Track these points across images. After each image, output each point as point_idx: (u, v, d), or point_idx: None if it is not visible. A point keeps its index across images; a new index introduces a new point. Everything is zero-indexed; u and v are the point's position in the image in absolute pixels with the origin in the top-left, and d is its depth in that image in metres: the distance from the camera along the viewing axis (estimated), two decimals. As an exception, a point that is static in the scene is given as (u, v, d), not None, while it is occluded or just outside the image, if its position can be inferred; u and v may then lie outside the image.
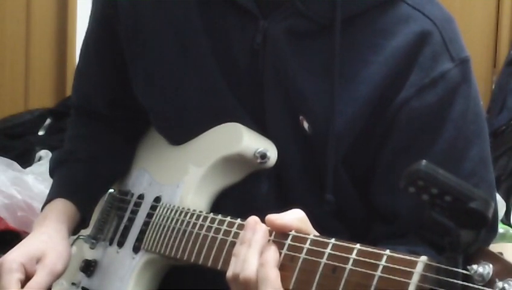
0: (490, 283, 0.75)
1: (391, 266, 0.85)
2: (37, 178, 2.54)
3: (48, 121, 3.05)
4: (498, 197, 2.64)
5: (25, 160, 2.84)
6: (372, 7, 1.22)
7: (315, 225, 1.04)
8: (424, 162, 0.78)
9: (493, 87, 3.30)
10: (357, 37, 1.22)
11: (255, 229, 1.03)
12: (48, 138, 2.99)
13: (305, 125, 1.23)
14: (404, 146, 1.20)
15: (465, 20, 3.23)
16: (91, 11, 1.45)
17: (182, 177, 1.31)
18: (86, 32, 1.48)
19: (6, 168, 2.63)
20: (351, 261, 0.90)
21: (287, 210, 1.03)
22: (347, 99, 1.21)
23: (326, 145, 1.21)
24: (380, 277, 0.86)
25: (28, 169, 2.73)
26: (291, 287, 0.96)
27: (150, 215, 1.35)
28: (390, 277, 0.85)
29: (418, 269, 0.82)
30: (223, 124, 1.27)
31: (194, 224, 1.21)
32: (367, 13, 1.22)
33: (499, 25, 3.30)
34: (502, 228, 2.57)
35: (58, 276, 1.31)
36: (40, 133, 3.04)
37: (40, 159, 2.84)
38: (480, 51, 3.27)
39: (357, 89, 1.21)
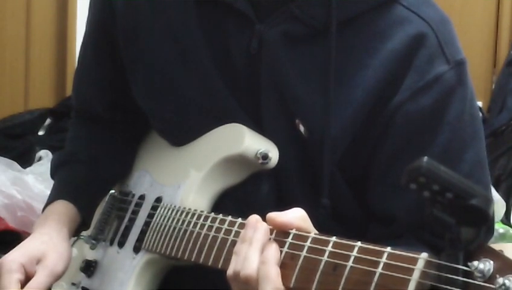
0: (491, 279, 0.76)
1: (392, 263, 0.85)
2: (37, 178, 2.54)
3: (48, 121, 3.06)
4: (498, 197, 2.64)
5: (25, 160, 2.84)
6: (367, 10, 1.22)
7: (314, 226, 1.04)
8: (425, 158, 0.78)
9: (493, 87, 3.31)
10: (353, 41, 1.22)
11: (256, 227, 1.03)
12: (48, 138, 2.99)
13: (301, 128, 1.23)
14: (400, 149, 1.20)
15: (465, 20, 3.24)
16: (88, 15, 1.45)
17: (183, 178, 1.32)
18: (84, 36, 1.48)
19: (6, 168, 2.63)
20: (351, 258, 0.90)
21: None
22: (343, 102, 1.21)
23: (322, 148, 1.21)
24: (380, 273, 0.86)
25: (28, 169, 2.74)
26: (292, 285, 0.97)
27: (150, 216, 1.35)
28: (391, 273, 0.85)
29: (419, 265, 0.82)
30: (224, 125, 1.28)
31: (195, 224, 1.21)
32: (362, 16, 1.22)
33: (499, 25, 3.31)
34: (502, 228, 2.58)
35: (58, 277, 1.31)
36: (40, 133, 3.04)
37: (40, 159, 2.85)
38: (480, 51, 3.28)
39: (353, 93, 1.20)
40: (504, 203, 2.69)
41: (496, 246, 2.37)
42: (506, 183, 2.85)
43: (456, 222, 0.78)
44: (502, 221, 2.69)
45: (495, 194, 2.62)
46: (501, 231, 2.55)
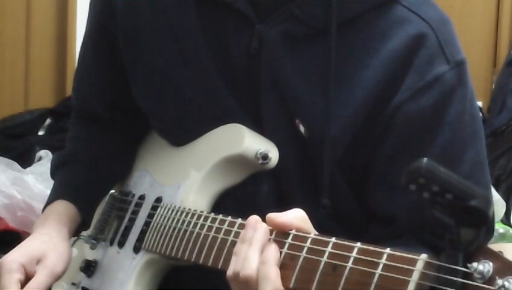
0: (490, 280, 0.75)
1: (391, 264, 0.85)
2: (37, 178, 2.54)
3: (48, 121, 3.06)
4: (498, 197, 2.64)
5: (25, 160, 2.84)
6: (367, 10, 1.22)
7: (314, 226, 1.04)
8: (425, 159, 0.78)
9: (493, 87, 3.31)
10: (353, 41, 1.22)
11: (256, 227, 1.03)
12: (48, 138, 3.00)
13: (301, 128, 1.23)
14: (400, 149, 1.20)
15: (465, 20, 3.24)
16: (88, 15, 1.45)
17: (183, 178, 1.32)
18: (84, 36, 1.48)
19: (6, 168, 2.63)
20: (351, 259, 0.90)
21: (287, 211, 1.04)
22: (343, 102, 1.21)
23: (323, 148, 1.21)
24: (380, 274, 0.86)
25: (28, 169, 2.74)
26: (291, 285, 0.97)
27: (150, 216, 1.35)
28: (391, 274, 0.85)
29: (418, 266, 0.82)
30: (224, 125, 1.28)
31: (195, 224, 1.21)
32: (362, 16, 1.22)
33: (499, 25, 3.31)
34: (502, 228, 2.58)
35: (58, 277, 1.31)
36: (40, 133, 3.04)
37: (40, 159, 2.85)
38: (480, 51, 3.28)
39: (353, 93, 1.20)
40: (504, 203, 2.68)
41: (496, 246, 2.37)
42: (506, 183, 2.85)
43: (455, 223, 0.78)
44: (502, 221, 2.69)
45: (495, 194, 2.62)
46: (501, 231, 2.55)
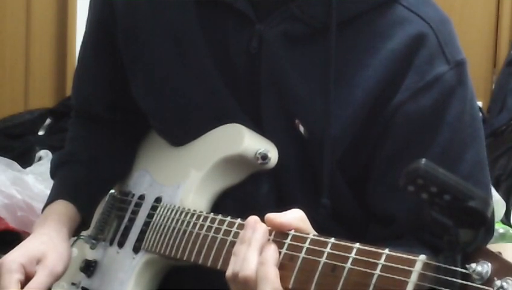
0: (489, 281, 0.75)
1: (390, 265, 0.85)
2: (37, 178, 2.54)
3: (48, 121, 3.06)
4: (498, 197, 2.64)
5: (25, 160, 2.84)
6: (367, 10, 1.22)
7: (314, 226, 1.04)
8: (423, 160, 0.78)
9: (493, 87, 3.31)
10: (353, 40, 1.22)
11: (255, 228, 1.03)
12: (48, 138, 3.00)
13: (301, 128, 1.23)
14: (400, 149, 1.20)
15: (465, 20, 3.24)
16: (88, 15, 1.45)
17: (183, 178, 1.32)
18: (84, 36, 1.48)
19: (6, 168, 2.63)
20: (350, 260, 0.90)
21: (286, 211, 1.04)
22: (343, 102, 1.21)
23: (322, 148, 1.21)
24: (379, 275, 0.86)
25: (28, 169, 2.74)
26: (290, 286, 0.97)
27: (150, 216, 1.35)
28: (389, 275, 0.85)
29: (417, 267, 0.82)
30: (224, 125, 1.28)
31: (194, 224, 1.21)
32: (362, 16, 1.22)
33: (499, 25, 3.31)
34: (502, 228, 2.57)
35: (58, 277, 1.31)
36: (40, 133, 3.04)
37: (40, 159, 2.85)
38: (480, 51, 3.28)
39: (353, 92, 1.20)
40: (504, 203, 2.68)
41: (496, 246, 2.37)
42: (506, 183, 2.85)
43: (454, 224, 0.78)
44: (502, 221, 2.69)
45: (495, 194, 2.62)
46: (501, 231, 2.55)
